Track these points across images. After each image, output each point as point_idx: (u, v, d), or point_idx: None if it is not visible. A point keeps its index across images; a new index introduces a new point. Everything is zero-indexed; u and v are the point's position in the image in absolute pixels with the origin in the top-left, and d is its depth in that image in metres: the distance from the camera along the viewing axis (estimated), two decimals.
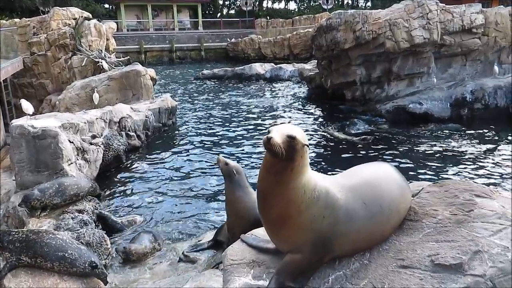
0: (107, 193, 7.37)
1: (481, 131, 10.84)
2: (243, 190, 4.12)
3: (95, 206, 6.29)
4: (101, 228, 5.65)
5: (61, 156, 6.65)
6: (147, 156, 9.57)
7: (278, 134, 2.16)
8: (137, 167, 8.82)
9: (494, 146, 9.63)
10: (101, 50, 15.17)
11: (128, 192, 7.42)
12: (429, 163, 8.47)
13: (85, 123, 8.22)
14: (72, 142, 7.34)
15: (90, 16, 16.55)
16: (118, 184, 7.83)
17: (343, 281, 2.28)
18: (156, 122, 11.36)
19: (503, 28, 12.54)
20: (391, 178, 2.61)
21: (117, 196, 7.24)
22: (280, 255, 2.49)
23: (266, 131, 2.24)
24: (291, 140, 2.17)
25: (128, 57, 17.59)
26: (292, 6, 60.86)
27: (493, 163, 8.39)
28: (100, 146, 8.28)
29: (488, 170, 7.98)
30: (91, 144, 8.07)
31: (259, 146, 10.06)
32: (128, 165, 8.91)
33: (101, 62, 14.24)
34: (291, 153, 2.18)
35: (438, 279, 2.10)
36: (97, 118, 8.81)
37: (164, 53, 38.93)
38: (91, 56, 14.53)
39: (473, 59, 12.97)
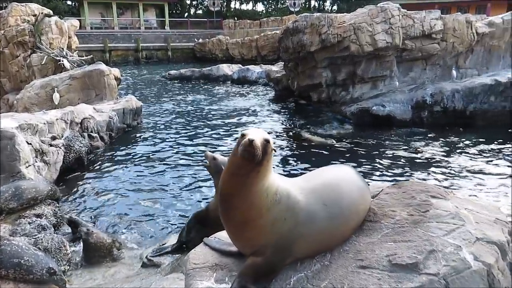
0: (68, 196, 7.13)
1: (439, 134, 11.28)
2: None
3: (54, 210, 6.07)
4: (72, 233, 5.48)
5: (18, 158, 6.37)
6: (110, 157, 9.33)
7: (256, 136, 2.16)
8: (99, 169, 8.59)
9: (451, 148, 10.04)
10: (63, 48, 14.71)
11: (90, 195, 7.21)
12: (389, 165, 8.72)
13: (44, 123, 7.92)
14: (30, 144, 7.06)
15: (51, 13, 16.02)
16: (79, 187, 7.60)
17: (304, 283, 2.30)
18: (120, 123, 11.11)
19: (460, 34, 13.09)
20: (351, 180, 2.66)
21: (79, 199, 7.02)
22: (242, 258, 2.49)
23: (239, 134, 2.22)
24: (266, 143, 2.19)
25: (92, 56, 17.11)
26: (260, 7, 61.23)
27: (449, 164, 8.74)
28: (60, 148, 8.01)
29: (445, 171, 8.31)
30: (50, 145, 7.79)
31: (224, 146, 10.03)
32: (91, 167, 8.66)
33: (62, 61, 13.79)
34: (263, 156, 2.19)
35: (395, 279, 2.16)
36: (57, 119, 8.51)
37: (129, 53, 38.19)
38: (51, 55, 14.05)
39: (432, 64, 13.47)
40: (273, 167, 2.47)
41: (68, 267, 4.66)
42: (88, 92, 12.02)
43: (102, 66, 12.47)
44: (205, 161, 4.22)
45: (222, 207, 2.42)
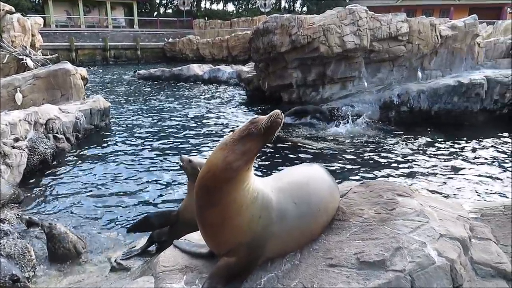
0: (32, 199, 6.88)
1: (406, 133, 11.60)
2: None
3: (18, 214, 5.85)
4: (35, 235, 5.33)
5: None
6: (77, 159, 9.08)
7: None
8: (66, 171, 8.34)
9: (417, 146, 10.34)
10: (26, 47, 14.21)
11: (56, 197, 6.98)
12: (357, 164, 8.90)
13: (6, 125, 7.64)
14: None
15: (13, 9, 15.41)
16: (44, 190, 7.35)
17: (274, 282, 2.32)
18: (87, 124, 10.82)
19: (425, 36, 13.51)
20: (320, 178, 2.70)
21: (44, 202, 6.78)
22: (213, 260, 2.48)
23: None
24: None
25: (57, 54, 16.63)
26: (231, 7, 61.16)
27: (415, 163, 9.01)
28: (24, 150, 7.73)
29: (411, 170, 8.55)
30: (13, 147, 7.50)
31: (194, 147, 9.96)
32: (56, 169, 8.39)
33: (25, 60, 13.33)
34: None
35: (363, 276, 2.21)
36: (20, 120, 8.22)
37: (97, 52, 37.33)
38: (13, 53, 13.55)
39: (399, 65, 13.83)
40: None
41: (33, 274, 4.50)
42: (53, 92, 11.63)
43: (68, 65, 12.11)
44: (180, 164, 4.18)
45: (199, 204, 2.37)
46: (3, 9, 14.63)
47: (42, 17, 19.60)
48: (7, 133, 7.58)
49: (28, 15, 17.09)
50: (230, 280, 2.31)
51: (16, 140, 7.75)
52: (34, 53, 14.23)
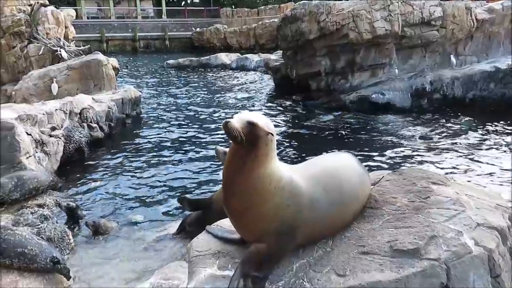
0: (68, 186, 7.14)
1: (439, 121, 11.28)
2: None
3: (56, 200, 6.09)
4: (71, 220, 5.60)
5: (19, 149, 6.37)
6: (110, 147, 9.34)
7: (237, 119, 2.23)
8: (100, 159, 8.60)
9: (450, 135, 10.05)
10: (60, 38, 14.59)
11: (91, 184, 7.23)
12: (390, 152, 8.74)
13: (43, 114, 7.91)
14: (30, 135, 7.06)
15: (47, 2, 15.82)
16: (80, 177, 7.61)
17: (306, 269, 2.34)
18: (119, 113, 11.07)
19: (459, 21, 13.02)
20: (350, 166, 2.69)
21: (80, 189, 7.03)
22: (245, 245, 2.52)
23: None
24: (251, 126, 2.21)
25: (89, 45, 16.96)
26: None
27: (449, 151, 8.77)
28: (60, 138, 8.00)
29: (445, 158, 8.33)
30: (50, 136, 7.78)
31: (223, 135, 10.05)
32: (91, 157, 8.66)
33: (59, 51, 13.68)
34: (253, 139, 2.22)
35: (396, 264, 2.19)
36: (56, 109, 8.49)
37: (126, 42, 37.97)
38: (48, 45, 13.94)
39: (432, 51, 13.41)
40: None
41: (72, 256, 4.70)
42: (86, 82, 11.96)
43: (100, 56, 12.39)
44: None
45: (225, 193, 2.45)
46: (37, 2, 15.05)
47: (74, 9, 20.06)
48: (44, 122, 7.86)
49: (61, 7, 17.50)
50: (262, 266, 2.34)
51: (53, 129, 8.03)
52: (67, 45, 14.60)
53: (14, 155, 6.32)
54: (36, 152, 7.11)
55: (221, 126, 2.24)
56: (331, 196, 2.46)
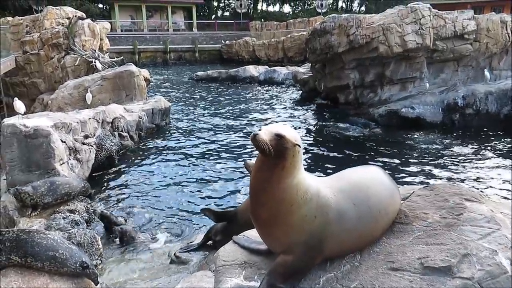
0: (99, 193, 7.33)
1: (472, 137, 10.97)
2: None
3: (87, 206, 6.26)
4: (105, 228, 5.78)
5: (53, 155, 6.61)
6: (140, 156, 9.54)
7: (265, 131, 2.23)
8: (129, 167, 8.79)
9: (484, 150, 9.74)
10: (95, 50, 15.12)
11: (120, 192, 7.39)
12: (420, 167, 8.55)
13: (77, 122, 8.18)
14: (64, 142, 7.30)
15: (84, 15, 16.49)
16: (110, 185, 7.80)
17: (333, 283, 2.30)
18: (149, 123, 11.33)
19: (494, 34, 12.70)
20: (379, 180, 2.65)
21: (109, 197, 7.21)
22: (272, 257, 2.51)
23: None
24: (279, 138, 2.21)
25: (122, 57, 17.53)
26: (287, 9, 61.02)
27: (483, 168, 8.49)
28: (92, 146, 8.25)
29: (478, 174, 8.07)
30: (83, 144, 8.03)
31: (253, 148, 10.08)
32: (121, 166, 8.87)
33: (94, 62, 14.18)
34: (281, 151, 2.22)
35: (427, 282, 2.13)
36: (90, 118, 8.77)
37: (158, 54, 38.85)
38: (84, 56, 14.47)
39: (464, 65, 13.11)
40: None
41: (100, 261, 4.80)
42: (119, 92, 12.31)
43: (132, 67, 12.76)
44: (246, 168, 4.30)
45: (252, 203, 2.45)
46: (75, 15, 15.71)
47: (109, 22, 20.77)
48: (78, 130, 8.12)
49: (97, 20, 18.17)
50: (288, 278, 2.32)
51: (86, 137, 8.28)
52: (102, 56, 15.12)
53: (49, 162, 6.56)
54: (70, 159, 7.35)
55: (249, 139, 2.25)
56: (360, 210, 2.43)
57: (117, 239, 5.40)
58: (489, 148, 9.98)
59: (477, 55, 12.90)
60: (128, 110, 10.84)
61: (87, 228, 5.40)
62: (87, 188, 6.70)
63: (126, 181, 8.00)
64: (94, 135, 8.71)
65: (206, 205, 6.68)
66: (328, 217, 2.34)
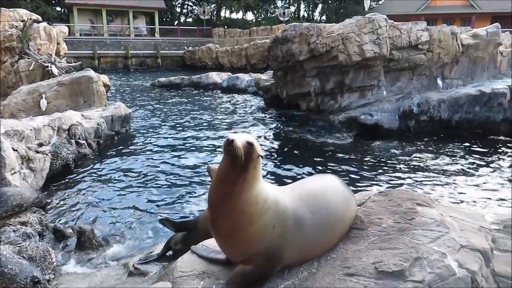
0: (54, 203, 7.03)
1: (426, 142, 11.44)
2: None
3: (40, 218, 5.99)
4: (59, 241, 5.51)
5: (4, 164, 6.27)
6: (98, 165, 9.25)
7: (238, 138, 2.18)
8: (87, 176, 8.50)
9: (436, 156, 10.18)
10: (51, 54, 14.60)
11: (77, 202, 7.12)
12: (376, 173, 8.80)
13: (31, 130, 7.84)
14: (16, 150, 6.97)
15: (40, 18, 15.88)
16: (66, 194, 7.50)
17: None
18: (108, 130, 11.02)
19: (445, 45, 13.34)
20: (336, 189, 2.71)
21: (65, 207, 6.92)
22: (230, 266, 2.50)
23: (225, 138, 2.23)
24: (249, 146, 2.19)
25: (80, 62, 16.98)
26: (250, 16, 61.61)
27: (435, 173, 8.85)
28: (47, 155, 7.92)
29: (431, 179, 8.41)
30: (37, 152, 7.70)
31: (214, 155, 10.03)
32: (78, 174, 8.57)
33: (50, 67, 13.68)
34: (248, 160, 2.20)
35: (381, 286, 2.19)
36: (44, 125, 8.42)
37: (119, 60, 38.07)
38: (39, 60, 13.93)
39: (419, 74, 13.68)
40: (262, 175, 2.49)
41: (53, 276, 4.59)
42: (76, 98, 11.92)
43: (91, 73, 12.40)
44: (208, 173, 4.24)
45: (212, 215, 2.43)
46: (30, 18, 15.09)
47: (67, 25, 20.12)
48: (31, 138, 7.78)
49: (54, 24, 17.54)
50: (247, 287, 2.32)
51: (40, 145, 7.95)
52: (58, 61, 14.60)
53: None
54: (22, 169, 7.02)
55: (222, 145, 2.17)
56: (317, 218, 2.47)
57: (73, 245, 5.22)
58: (441, 153, 10.44)
59: (430, 64, 13.49)
60: (86, 117, 10.50)
61: (40, 241, 5.16)
62: (40, 199, 6.42)
63: (84, 190, 7.72)
64: (49, 143, 8.38)
65: (167, 213, 6.55)
66: (286, 225, 2.36)
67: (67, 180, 8.25)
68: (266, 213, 2.32)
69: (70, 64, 15.24)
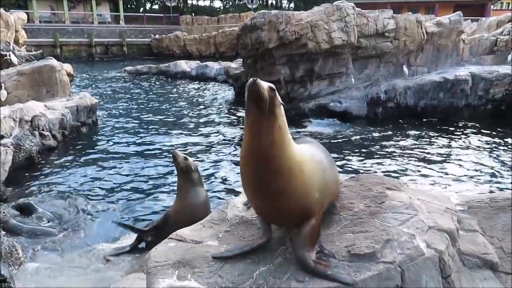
0: (17, 197, 6.75)
1: (393, 128, 11.74)
2: (200, 187, 4.17)
3: (3, 212, 5.76)
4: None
5: None
6: (63, 156, 8.97)
7: (261, 82, 2.05)
8: (52, 168, 8.24)
9: (403, 141, 10.47)
10: (9, 43, 13.94)
11: (42, 195, 6.89)
12: (347, 159, 8.97)
13: None
14: None
15: None
16: (30, 187, 7.25)
17: (267, 276, 2.32)
18: (74, 121, 10.68)
19: (411, 33, 13.65)
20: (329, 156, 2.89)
21: (30, 201, 6.68)
22: (260, 251, 2.45)
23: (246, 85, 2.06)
24: (272, 91, 2.08)
25: (41, 51, 16.29)
26: (217, 4, 60.83)
27: (403, 157, 9.12)
28: (9, 147, 7.60)
29: (399, 164, 8.66)
30: None
31: (182, 143, 9.92)
32: (42, 167, 8.28)
33: (9, 56, 13.06)
34: (273, 105, 2.07)
35: (354, 268, 2.23)
36: (5, 117, 8.07)
37: (82, 48, 36.85)
38: None
39: (386, 61, 13.96)
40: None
41: (21, 271, 4.45)
42: (38, 88, 11.45)
43: (53, 62, 11.93)
44: (173, 158, 4.18)
45: (255, 179, 2.19)
46: None
47: (25, 12, 19.20)
48: None
49: (11, 10, 16.71)
50: (316, 242, 2.31)
51: (1, 137, 7.62)
52: (18, 49, 13.99)
53: None
54: None
55: (246, 86, 1.99)
56: (329, 159, 2.73)
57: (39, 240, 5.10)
58: (408, 139, 10.75)
59: (396, 52, 13.79)
60: (49, 107, 10.12)
61: (5, 236, 4.97)
62: (2, 192, 6.18)
63: (49, 183, 7.48)
64: (11, 135, 8.04)
65: (136, 206, 6.45)
66: (320, 167, 2.45)
67: (31, 173, 7.97)
68: (304, 158, 2.29)
69: (31, 53, 14.62)
